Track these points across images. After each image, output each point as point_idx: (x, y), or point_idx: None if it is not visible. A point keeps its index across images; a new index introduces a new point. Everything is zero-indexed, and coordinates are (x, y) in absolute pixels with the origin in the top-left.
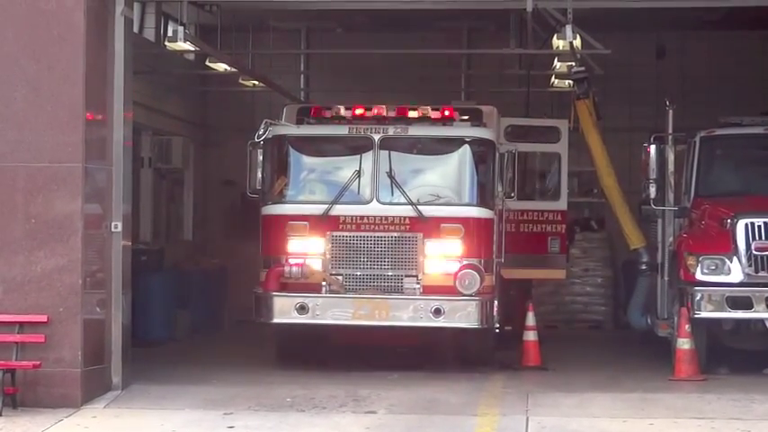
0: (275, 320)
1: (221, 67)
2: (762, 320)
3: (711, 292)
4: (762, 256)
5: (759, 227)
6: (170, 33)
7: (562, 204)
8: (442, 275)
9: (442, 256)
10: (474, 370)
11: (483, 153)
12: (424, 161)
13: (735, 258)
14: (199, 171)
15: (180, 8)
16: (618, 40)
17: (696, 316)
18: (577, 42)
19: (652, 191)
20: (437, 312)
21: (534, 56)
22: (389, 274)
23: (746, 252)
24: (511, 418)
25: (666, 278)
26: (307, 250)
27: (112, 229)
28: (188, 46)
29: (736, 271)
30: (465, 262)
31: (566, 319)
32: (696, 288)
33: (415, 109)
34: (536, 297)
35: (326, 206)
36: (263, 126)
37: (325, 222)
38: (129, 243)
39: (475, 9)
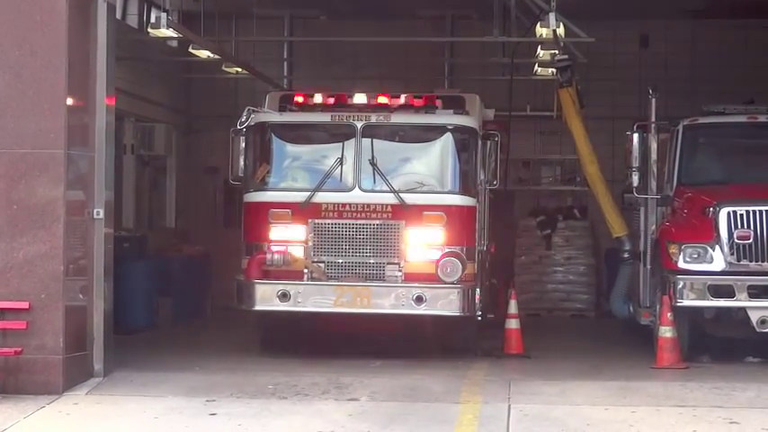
0: (257, 308)
1: (204, 54)
2: (743, 309)
3: (693, 280)
4: (744, 245)
5: (741, 215)
6: (153, 20)
7: None
8: (424, 263)
9: (424, 244)
10: (456, 358)
11: (465, 141)
12: (406, 149)
13: (717, 247)
14: (182, 158)
15: None
16: (601, 28)
17: (678, 304)
18: (561, 30)
19: (635, 179)
20: (419, 300)
21: (517, 44)
22: (371, 261)
23: (729, 240)
24: (493, 406)
25: (649, 266)
26: (289, 237)
27: (95, 216)
28: (171, 32)
29: (718, 259)
30: (447, 250)
31: (548, 308)
32: (678, 276)
33: (397, 96)
34: (518, 285)
35: (309, 193)
36: (245, 113)
37: (308, 210)
38: (112, 230)
39: None
